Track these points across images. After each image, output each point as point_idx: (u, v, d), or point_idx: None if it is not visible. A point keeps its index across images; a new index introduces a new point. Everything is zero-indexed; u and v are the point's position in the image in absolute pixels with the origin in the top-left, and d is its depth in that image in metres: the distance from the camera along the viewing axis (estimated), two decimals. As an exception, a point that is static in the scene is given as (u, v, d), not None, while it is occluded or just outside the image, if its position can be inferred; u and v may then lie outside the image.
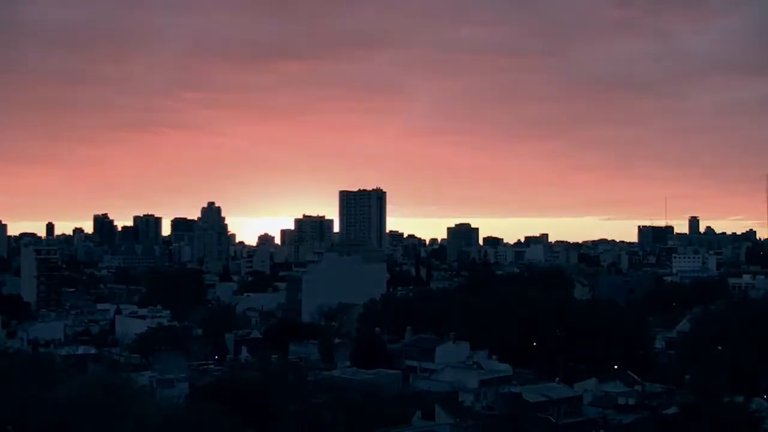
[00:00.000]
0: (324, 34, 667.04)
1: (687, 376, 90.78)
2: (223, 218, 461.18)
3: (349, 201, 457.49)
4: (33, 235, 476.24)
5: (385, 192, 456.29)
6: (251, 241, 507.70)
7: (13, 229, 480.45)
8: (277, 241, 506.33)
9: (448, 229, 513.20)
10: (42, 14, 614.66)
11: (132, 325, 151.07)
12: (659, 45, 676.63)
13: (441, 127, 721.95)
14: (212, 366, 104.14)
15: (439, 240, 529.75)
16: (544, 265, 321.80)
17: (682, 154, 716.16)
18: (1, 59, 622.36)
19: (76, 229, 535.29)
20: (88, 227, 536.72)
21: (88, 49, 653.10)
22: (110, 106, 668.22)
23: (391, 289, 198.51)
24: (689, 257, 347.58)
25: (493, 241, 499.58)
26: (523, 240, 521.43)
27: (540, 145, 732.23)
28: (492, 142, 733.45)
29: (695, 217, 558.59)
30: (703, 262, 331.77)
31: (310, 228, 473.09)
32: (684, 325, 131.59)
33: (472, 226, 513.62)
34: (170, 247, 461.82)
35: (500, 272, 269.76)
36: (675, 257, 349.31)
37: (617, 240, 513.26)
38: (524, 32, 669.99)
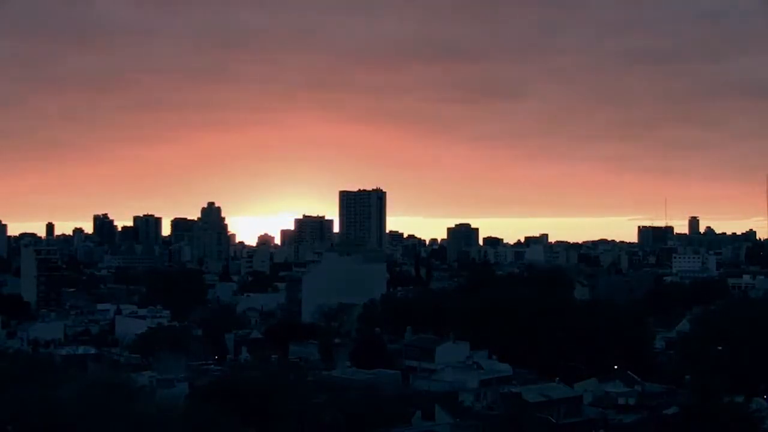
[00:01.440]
0: (476, 38, 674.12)
1: (687, 376, 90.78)
2: (223, 218, 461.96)
3: (349, 201, 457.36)
4: (33, 235, 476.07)
5: (385, 192, 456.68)
6: (251, 241, 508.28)
7: (13, 229, 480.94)
8: (277, 241, 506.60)
9: (448, 229, 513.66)
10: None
11: (132, 325, 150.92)
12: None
13: (511, 131, 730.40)
14: (212, 366, 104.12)
15: (439, 240, 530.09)
16: (544, 265, 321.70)
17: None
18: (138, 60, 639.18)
19: (76, 229, 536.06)
20: (88, 227, 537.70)
21: (231, 49, 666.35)
22: (172, 104, 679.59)
23: (391, 289, 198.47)
24: (689, 257, 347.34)
25: (493, 241, 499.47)
26: (523, 240, 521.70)
27: (588, 147, 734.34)
28: (555, 144, 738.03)
29: (695, 217, 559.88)
30: (703, 263, 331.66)
31: (310, 228, 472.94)
32: (684, 325, 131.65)
33: (472, 226, 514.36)
34: (170, 247, 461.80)
35: (500, 272, 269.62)
36: (675, 257, 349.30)
37: (617, 240, 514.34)
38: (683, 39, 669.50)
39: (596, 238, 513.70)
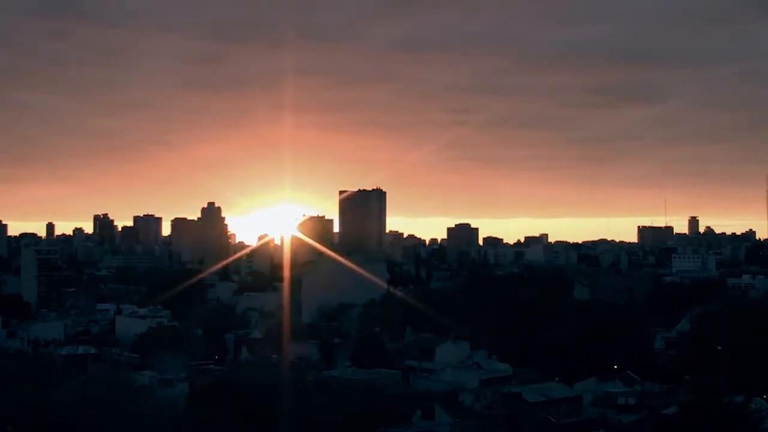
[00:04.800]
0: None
1: (687, 376, 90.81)
2: (223, 218, 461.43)
3: (348, 201, 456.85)
4: (33, 235, 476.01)
5: (385, 192, 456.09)
6: (251, 241, 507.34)
7: (13, 229, 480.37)
8: (277, 241, 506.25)
9: (448, 229, 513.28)
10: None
11: (132, 325, 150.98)
12: None
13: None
14: (212, 366, 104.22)
15: (439, 240, 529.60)
16: (544, 265, 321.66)
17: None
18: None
19: (76, 229, 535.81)
20: (88, 227, 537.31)
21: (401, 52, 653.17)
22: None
23: (391, 289, 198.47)
24: (689, 257, 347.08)
25: (493, 242, 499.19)
26: (523, 240, 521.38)
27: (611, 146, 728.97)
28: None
29: (695, 217, 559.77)
30: (703, 262, 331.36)
31: (310, 228, 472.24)
32: (684, 325, 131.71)
33: (472, 226, 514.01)
34: (170, 247, 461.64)
35: (500, 272, 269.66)
36: (675, 257, 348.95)
37: (617, 240, 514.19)
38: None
39: (596, 238, 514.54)
